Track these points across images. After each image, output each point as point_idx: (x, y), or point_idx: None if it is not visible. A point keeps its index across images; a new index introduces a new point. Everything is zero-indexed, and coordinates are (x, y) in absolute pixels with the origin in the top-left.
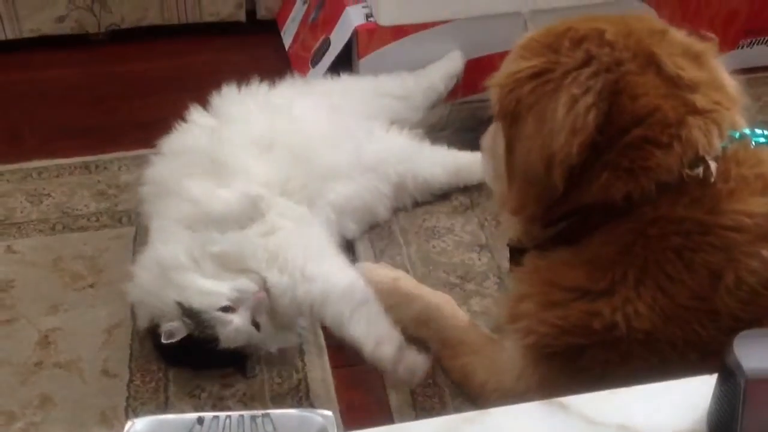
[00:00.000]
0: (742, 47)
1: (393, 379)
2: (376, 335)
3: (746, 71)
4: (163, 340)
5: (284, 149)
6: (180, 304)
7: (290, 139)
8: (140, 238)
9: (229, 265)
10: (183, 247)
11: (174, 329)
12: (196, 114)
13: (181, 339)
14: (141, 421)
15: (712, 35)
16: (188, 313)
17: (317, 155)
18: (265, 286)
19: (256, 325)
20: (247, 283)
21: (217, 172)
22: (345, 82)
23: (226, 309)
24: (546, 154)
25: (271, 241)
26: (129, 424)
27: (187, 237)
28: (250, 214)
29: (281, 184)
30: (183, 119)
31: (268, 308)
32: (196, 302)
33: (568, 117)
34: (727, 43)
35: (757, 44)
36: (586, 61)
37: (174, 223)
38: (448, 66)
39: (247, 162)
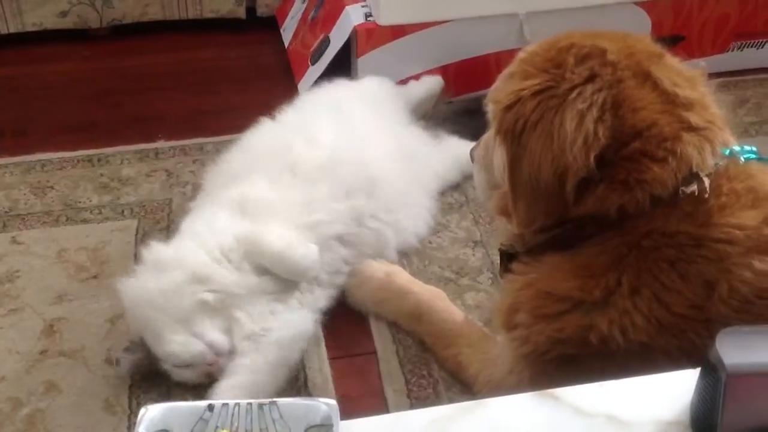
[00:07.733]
0: (733, 50)
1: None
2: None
3: (736, 74)
4: (116, 367)
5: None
6: (142, 340)
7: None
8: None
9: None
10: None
11: (121, 358)
12: (285, 116)
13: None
14: (154, 407)
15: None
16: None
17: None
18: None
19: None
20: (201, 352)
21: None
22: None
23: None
24: (558, 168)
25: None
26: (143, 410)
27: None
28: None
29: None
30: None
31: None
32: (155, 350)
33: (579, 131)
34: (718, 46)
35: (747, 47)
36: (590, 78)
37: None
38: (428, 88)
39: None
